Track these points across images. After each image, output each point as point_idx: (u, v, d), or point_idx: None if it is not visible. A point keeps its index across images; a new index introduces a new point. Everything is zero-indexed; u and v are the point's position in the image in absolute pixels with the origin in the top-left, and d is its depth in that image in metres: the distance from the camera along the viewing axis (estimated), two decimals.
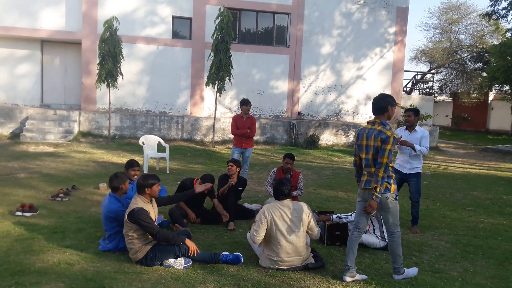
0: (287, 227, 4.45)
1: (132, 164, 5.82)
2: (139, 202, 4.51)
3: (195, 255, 4.46)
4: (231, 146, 8.42)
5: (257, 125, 15.61)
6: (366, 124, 4.39)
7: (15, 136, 13.43)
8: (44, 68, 15.79)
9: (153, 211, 4.63)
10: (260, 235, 4.46)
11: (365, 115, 17.64)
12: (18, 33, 14.71)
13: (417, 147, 6.08)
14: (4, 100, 15.35)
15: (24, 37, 15.05)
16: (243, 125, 8.08)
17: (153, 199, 4.73)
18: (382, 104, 4.26)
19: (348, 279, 4.28)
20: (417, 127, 6.27)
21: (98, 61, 13.01)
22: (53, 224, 5.61)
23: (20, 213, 5.90)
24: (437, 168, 12.59)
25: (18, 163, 9.92)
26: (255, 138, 15.48)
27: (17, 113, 13.96)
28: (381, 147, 4.12)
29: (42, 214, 6.06)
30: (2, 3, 14.57)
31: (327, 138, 16.16)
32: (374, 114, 4.33)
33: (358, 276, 4.33)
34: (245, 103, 8.12)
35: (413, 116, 6.21)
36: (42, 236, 5.11)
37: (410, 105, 16.18)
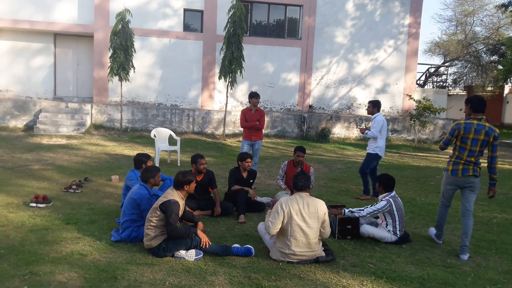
0: (303, 222, 4.43)
1: (146, 156, 5.92)
2: (175, 195, 4.59)
3: (207, 246, 4.48)
4: (241, 139, 8.44)
5: (268, 118, 15.60)
6: (468, 120, 4.88)
7: (29, 128, 13.61)
8: (57, 61, 15.94)
9: (182, 207, 4.69)
10: (276, 227, 4.45)
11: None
12: (32, 27, 14.85)
13: (367, 132, 7.50)
14: (19, 93, 15.55)
15: (38, 30, 15.19)
16: (252, 117, 8.12)
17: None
18: (485, 104, 4.88)
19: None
20: (375, 115, 7.51)
21: (110, 54, 13.08)
22: (66, 216, 5.68)
23: (34, 204, 5.99)
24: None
25: (32, 155, 10.06)
26: (265, 131, 15.51)
27: (30, 105, 14.14)
28: (493, 143, 4.85)
29: (56, 205, 6.14)
30: None
31: (338, 131, 16.06)
32: (477, 112, 4.86)
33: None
34: (254, 95, 8.15)
35: (370, 106, 7.58)
36: (55, 227, 5.18)
37: (424, 98, 15.98)
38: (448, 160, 5.12)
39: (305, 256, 4.48)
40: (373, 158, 7.52)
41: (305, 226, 4.44)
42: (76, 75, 16.23)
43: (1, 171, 8.20)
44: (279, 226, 4.46)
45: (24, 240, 4.72)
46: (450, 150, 5.33)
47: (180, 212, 4.65)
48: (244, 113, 8.22)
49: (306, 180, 4.62)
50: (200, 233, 4.54)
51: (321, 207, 4.55)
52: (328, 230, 4.65)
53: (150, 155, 6.16)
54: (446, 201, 5.27)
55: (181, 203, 4.65)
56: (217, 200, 6.14)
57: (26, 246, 4.53)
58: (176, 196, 4.59)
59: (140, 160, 5.82)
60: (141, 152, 6.27)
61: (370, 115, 7.71)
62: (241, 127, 8.31)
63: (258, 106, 8.36)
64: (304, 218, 4.44)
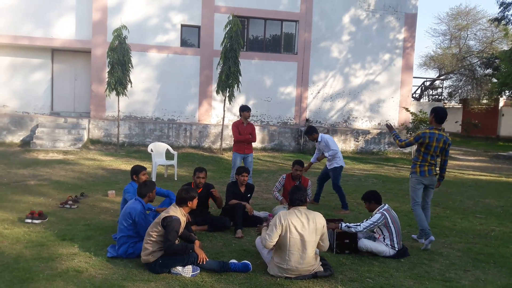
0: (301, 236, 4.40)
1: (141, 168, 5.89)
2: (178, 213, 4.59)
3: (204, 263, 4.44)
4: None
5: (265, 132, 15.66)
6: (430, 130, 5.71)
7: (26, 143, 13.58)
8: (55, 77, 15.99)
9: (183, 225, 4.68)
10: (273, 240, 4.42)
11: (374, 121, 17.54)
12: (30, 43, 14.93)
13: (326, 154, 7.79)
14: (16, 108, 15.55)
15: (36, 46, 15.27)
16: (245, 131, 8.17)
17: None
18: (446, 117, 5.77)
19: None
20: (319, 138, 7.79)
21: (107, 69, 13.14)
22: (62, 231, 5.63)
23: (29, 220, 5.94)
24: (447, 175, 12.43)
25: (28, 170, 10.02)
26: (262, 144, 15.54)
27: (27, 121, 14.13)
28: (447, 149, 5.82)
29: (51, 221, 6.09)
30: (15, 14, 14.81)
31: None
32: (439, 123, 5.73)
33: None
34: (245, 109, 8.20)
35: (310, 136, 7.85)
36: (51, 243, 5.13)
37: (420, 111, 16.08)
38: (413, 164, 5.91)
39: (303, 271, 4.44)
40: (340, 171, 7.80)
41: (303, 240, 4.40)
42: (74, 90, 16.26)
43: None
44: (276, 240, 4.43)
45: (19, 256, 4.67)
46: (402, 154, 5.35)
47: (181, 230, 4.62)
48: (237, 125, 8.23)
49: (302, 195, 4.60)
50: (197, 249, 4.50)
51: (320, 220, 4.52)
52: (326, 243, 4.62)
53: (146, 167, 6.14)
54: (419, 201, 5.87)
55: (183, 220, 4.63)
56: (219, 203, 6.31)
57: (21, 263, 4.48)
58: (178, 213, 4.59)
59: (135, 170, 5.82)
60: (137, 164, 6.26)
61: (312, 140, 7.99)
62: (235, 140, 8.29)
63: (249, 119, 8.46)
64: (303, 232, 4.40)
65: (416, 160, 5.84)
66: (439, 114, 5.70)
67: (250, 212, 6.33)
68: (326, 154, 7.76)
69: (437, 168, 5.94)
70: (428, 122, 6.60)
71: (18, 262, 4.51)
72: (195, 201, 4.74)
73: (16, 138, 13.90)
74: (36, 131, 13.74)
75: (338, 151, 7.82)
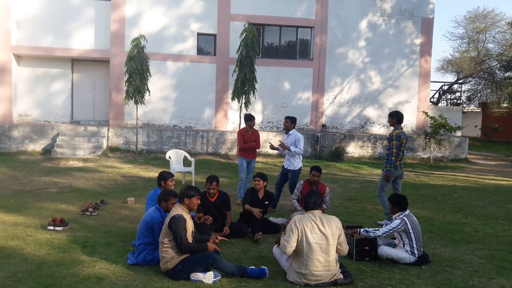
0: (318, 239, 4.40)
1: (169, 175, 5.91)
2: (179, 209, 4.64)
3: (217, 249, 4.69)
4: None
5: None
6: (400, 130, 7.06)
7: (47, 152, 13.86)
8: (74, 86, 16.30)
9: (190, 222, 4.73)
10: (292, 246, 4.41)
11: (392, 126, 17.32)
12: (50, 53, 15.28)
13: (292, 148, 7.64)
14: (37, 117, 15.90)
15: (56, 57, 15.62)
16: (250, 138, 8.55)
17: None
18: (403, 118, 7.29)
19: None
20: (291, 131, 7.81)
21: (126, 78, 13.35)
22: (83, 238, 5.72)
23: (51, 227, 6.05)
24: (468, 180, 12.23)
25: (50, 178, 10.21)
26: (278, 151, 15.48)
27: (48, 129, 14.43)
28: (406, 143, 7.19)
29: (73, 228, 6.20)
30: (36, 25, 15.20)
31: (352, 150, 15.97)
32: (400, 123, 7.18)
33: None
34: (250, 118, 8.59)
35: (289, 122, 7.82)
36: (72, 250, 5.22)
37: (440, 116, 15.86)
38: (388, 161, 6.97)
39: (323, 277, 4.41)
40: (299, 173, 7.85)
41: (320, 244, 4.39)
42: (93, 99, 16.56)
43: (20, 194, 8.34)
44: (294, 245, 4.42)
45: (42, 263, 4.76)
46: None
47: (191, 227, 4.65)
48: (242, 134, 8.60)
49: (317, 199, 4.63)
50: (210, 245, 4.66)
51: (335, 222, 4.51)
52: (345, 247, 4.57)
53: (173, 173, 6.17)
54: (386, 189, 7.19)
55: (187, 216, 4.64)
56: (228, 222, 6.17)
57: (44, 270, 4.57)
58: (179, 210, 4.63)
59: (162, 176, 5.83)
60: (165, 170, 6.32)
61: (286, 130, 7.96)
62: (240, 148, 8.69)
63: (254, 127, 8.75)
64: (319, 236, 4.40)
65: (390, 157, 6.95)
66: (399, 117, 7.14)
67: (257, 215, 6.28)
68: (293, 149, 7.64)
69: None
70: (390, 125, 7.34)
71: (41, 269, 4.59)
72: (194, 200, 4.76)
73: (37, 146, 14.20)
74: (57, 139, 14.01)
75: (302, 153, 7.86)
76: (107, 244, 5.53)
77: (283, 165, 8.04)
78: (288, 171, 7.84)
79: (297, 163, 7.82)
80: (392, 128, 7.32)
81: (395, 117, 7.12)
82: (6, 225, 6.23)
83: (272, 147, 8.14)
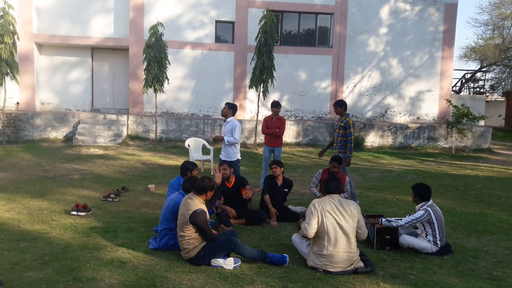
0: (338, 220, 4.43)
1: (194, 166, 5.93)
2: (197, 202, 4.62)
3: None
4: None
5: (300, 126, 15.55)
6: (351, 117, 7.44)
7: (68, 139, 14.11)
8: (94, 74, 16.49)
9: (207, 212, 4.73)
10: (313, 228, 4.43)
11: (414, 115, 17.06)
12: (70, 41, 15.47)
13: (225, 138, 7.26)
14: (58, 105, 16.17)
15: (76, 45, 15.80)
16: (273, 125, 8.52)
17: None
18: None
19: None
20: (229, 119, 7.40)
21: (144, 67, 13.42)
22: (105, 224, 5.83)
23: (75, 213, 6.18)
24: (491, 171, 11.97)
25: (72, 165, 10.41)
26: (296, 140, 15.45)
27: (70, 117, 14.67)
28: None
29: (95, 213, 6.31)
30: (56, 14, 15.39)
31: (372, 139, 15.79)
32: (346, 111, 7.53)
33: None
34: (275, 105, 8.58)
35: (227, 108, 7.43)
36: (96, 235, 5.32)
37: (462, 105, 15.50)
38: (349, 147, 7.36)
39: (343, 261, 4.40)
40: (238, 165, 7.52)
41: (340, 225, 4.42)
42: (113, 87, 16.73)
43: (44, 181, 8.53)
44: (315, 227, 4.44)
45: (67, 247, 4.87)
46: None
47: (208, 216, 4.69)
48: (266, 120, 8.62)
49: (338, 184, 4.71)
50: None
51: (353, 206, 4.58)
52: (364, 230, 4.60)
53: (197, 164, 6.21)
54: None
55: (204, 208, 4.66)
56: (248, 194, 6.29)
57: (69, 253, 4.67)
58: (197, 203, 4.61)
59: (186, 167, 5.84)
60: (188, 160, 6.39)
61: (223, 117, 7.56)
62: (262, 133, 8.70)
63: (279, 114, 8.73)
64: (338, 216, 4.45)
65: (350, 143, 7.35)
66: (346, 105, 7.49)
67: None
68: (226, 139, 7.25)
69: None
70: (337, 113, 7.54)
71: (66, 252, 4.70)
72: (212, 193, 4.81)
73: (59, 134, 14.46)
74: (78, 127, 14.24)
75: (239, 143, 7.54)
76: (129, 229, 5.61)
77: (219, 157, 7.60)
78: (224, 163, 7.06)
79: (234, 154, 7.38)
80: (339, 116, 7.49)
81: (343, 106, 7.38)
82: (32, 209, 6.39)
83: (214, 139, 7.75)
